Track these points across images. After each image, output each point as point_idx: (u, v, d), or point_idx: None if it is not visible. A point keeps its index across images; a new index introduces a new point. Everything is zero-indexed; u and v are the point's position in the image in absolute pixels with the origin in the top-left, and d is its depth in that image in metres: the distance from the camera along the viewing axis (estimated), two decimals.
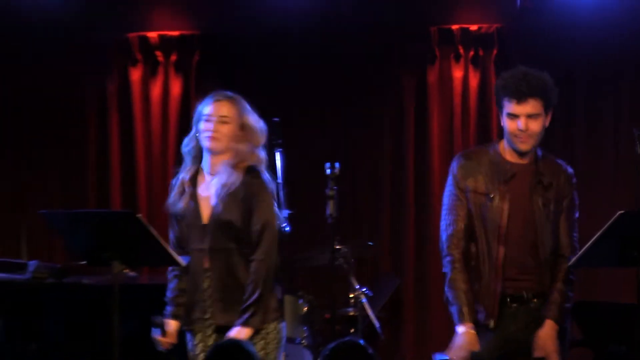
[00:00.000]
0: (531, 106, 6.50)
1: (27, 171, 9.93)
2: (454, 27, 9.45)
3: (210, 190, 6.64)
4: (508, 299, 6.54)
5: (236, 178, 6.57)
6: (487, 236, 6.55)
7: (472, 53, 9.42)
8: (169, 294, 6.69)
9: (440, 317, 9.36)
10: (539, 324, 6.62)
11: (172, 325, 6.69)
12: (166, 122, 9.70)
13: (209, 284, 6.54)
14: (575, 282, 6.63)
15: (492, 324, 6.56)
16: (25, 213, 9.81)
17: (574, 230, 6.65)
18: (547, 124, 6.83)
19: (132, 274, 7.76)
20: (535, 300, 6.63)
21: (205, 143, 6.66)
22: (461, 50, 9.44)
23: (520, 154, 6.53)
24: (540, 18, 9.13)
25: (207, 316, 6.58)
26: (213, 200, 6.61)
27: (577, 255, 6.72)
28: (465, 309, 6.59)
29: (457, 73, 9.43)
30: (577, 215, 6.60)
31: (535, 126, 6.59)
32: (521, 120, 6.45)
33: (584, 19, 9.15)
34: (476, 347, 6.72)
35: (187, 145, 6.78)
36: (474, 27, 9.42)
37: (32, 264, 7.71)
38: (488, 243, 6.51)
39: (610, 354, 7.64)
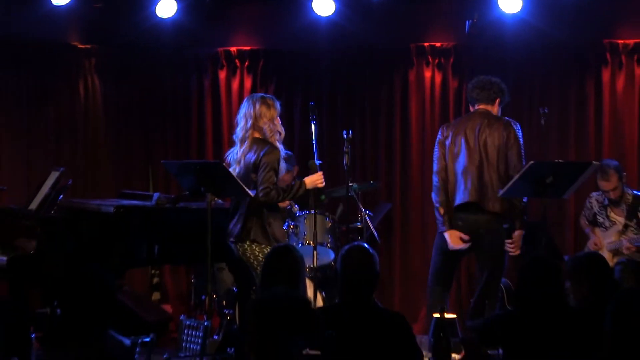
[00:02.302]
0: None
1: (152, 136, 10.01)
2: (426, 44, 9.37)
3: None
4: None
5: None
6: None
7: (437, 61, 9.32)
8: None
9: (417, 229, 9.45)
10: None
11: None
12: None
13: None
14: None
15: None
16: (152, 163, 9.89)
17: None
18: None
19: (220, 201, 7.83)
20: None
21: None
22: (430, 59, 9.35)
23: None
24: (483, 38, 9.06)
25: None
26: None
27: (505, 189, 6.82)
28: None
29: (427, 74, 9.36)
30: None
31: None
32: None
33: (512, 39, 9.09)
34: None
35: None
36: (438, 44, 9.35)
37: (156, 195, 7.70)
38: None
39: (524, 252, 7.65)
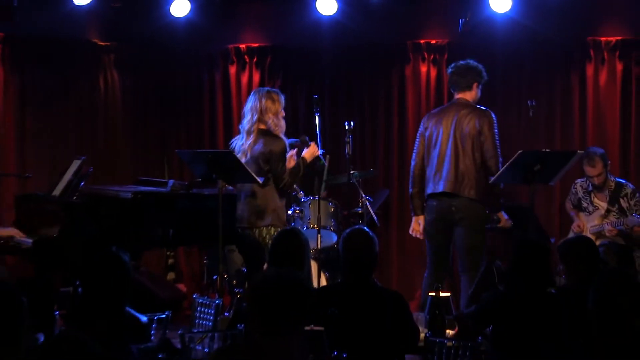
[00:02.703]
0: None
1: (167, 127, 9.98)
2: (422, 41, 9.37)
3: None
4: None
5: None
6: None
7: (432, 57, 9.34)
8: None
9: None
10: None
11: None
12: None
13: None
14: None
15: None
16: (167, 152, 9.84)
17: None
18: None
19: (230, 187, 7.81)
20: None
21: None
22: (425, 55, 9.35)
23: None
24: (475, 35, 9.04)
25: None
26: None
27: (496, 176, 6.82)
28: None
29: (423, 69, 9.36)
30: None
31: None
32: None
33: (502, 36, 9.10)
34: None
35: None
36: (433, 41, 9.36)
37: (170, 182, 7.70)
38: None
39: (513, 235, 7.65)
